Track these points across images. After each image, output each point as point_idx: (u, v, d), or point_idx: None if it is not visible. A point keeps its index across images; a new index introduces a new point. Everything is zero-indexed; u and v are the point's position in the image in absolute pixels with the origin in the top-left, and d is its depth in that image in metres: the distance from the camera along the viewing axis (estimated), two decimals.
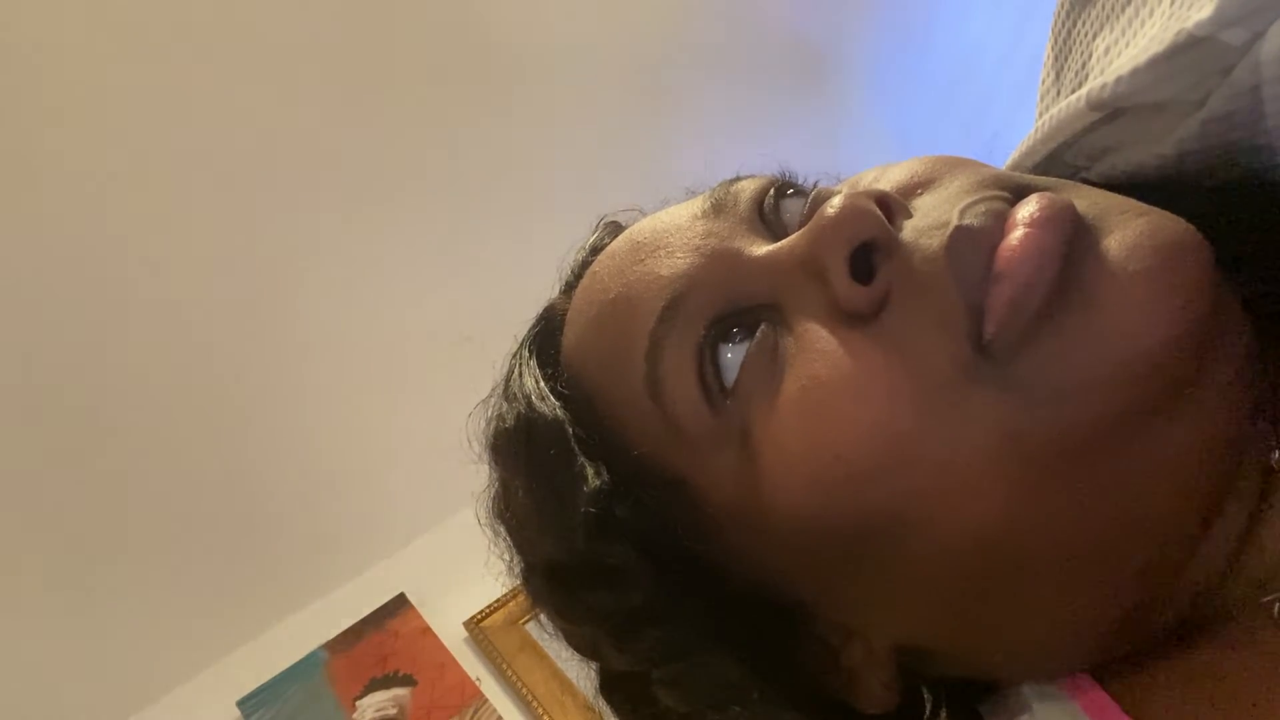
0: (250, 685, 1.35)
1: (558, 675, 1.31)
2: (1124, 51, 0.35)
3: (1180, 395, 0.27)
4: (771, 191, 0.36)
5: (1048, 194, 0.29)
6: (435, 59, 1.31)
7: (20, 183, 1.05)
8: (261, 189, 1.21)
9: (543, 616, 0.40)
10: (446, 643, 1.40)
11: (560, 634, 0.39)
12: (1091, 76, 0.38)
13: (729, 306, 0.33)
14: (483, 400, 0.41)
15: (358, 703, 1.35)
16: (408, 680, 1.37)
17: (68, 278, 1.11)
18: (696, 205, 0.37)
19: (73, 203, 1.08)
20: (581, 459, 0.34)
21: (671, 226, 0.36)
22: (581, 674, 0.40)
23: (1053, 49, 0.42)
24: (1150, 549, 0.29)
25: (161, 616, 1.32)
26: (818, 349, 0.30)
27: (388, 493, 1.47)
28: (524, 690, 1.31)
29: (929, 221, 0.30)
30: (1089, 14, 0.39)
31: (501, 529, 0.40)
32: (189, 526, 1.30)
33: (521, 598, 1.35)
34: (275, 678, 1.36)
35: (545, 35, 1.41)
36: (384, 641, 1.40)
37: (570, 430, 0.35)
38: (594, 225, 0.45)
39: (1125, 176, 0.35)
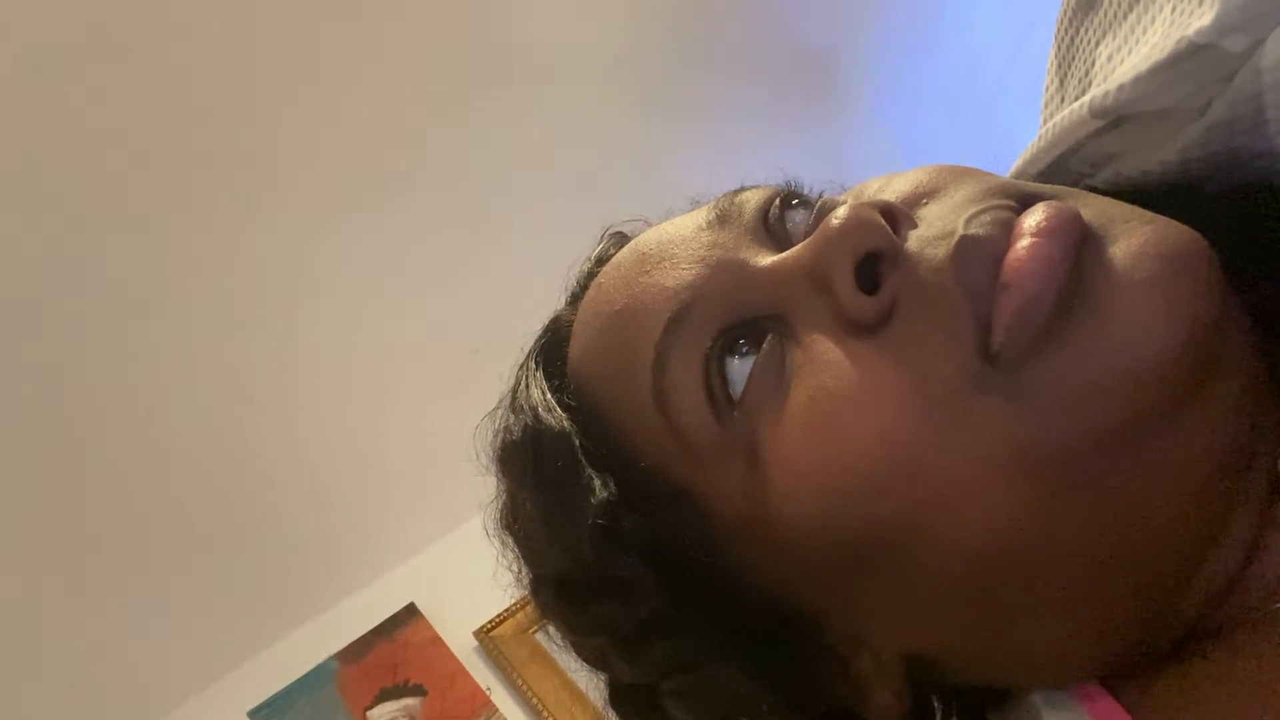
0: (261, 696, 1.36)
1: (568, 684, 1.32)
2: (1126, 59, 0.35)
3: (1187, 403, 0.27)
4: (777, 202, 0.36)
5: (1054, 203, 0.29)
6: (440, 66, 1.31)
7: (19, 184, 1.05)
8: (269, 199, 1.22)
9: (551, 627, 0.40)
10: (456, 652, 1.40)
11: (569, 645, 0.39)
12: (1094, 84, 0.38)
13: (735, 318, 0.33)
14: (490, 412, 0.41)
15: (368, 713, 1.35)
16: (418, 690, 1.37)
17: (79, 286, 1.12)
18: (701, 216, 0.37)
19: (73, 207, 1.09)
20: (588, 471, 0.34)
21: (676, 238, 0.36)
22: (591, 683, 0.40)
23: (1056, 56, 0.42)
24: (1159, 557, 0.29)
25: (173, 628, 1.33)
26: (825, 360, 0.30)
27: (397, 503, 1.47)
28: (534, 699, 1.31)
29: (934, 231, 0.30)
30: (1091, 21, 0.39)
31: (509, 540, 0.40)
32: (200, 538, 1.31)
33: (531, 607, 1.35)
34: (286, 688, 1.37)
35: (551, 42, 1.41)
36: (394, 651, 1.41)
37: (577, 442, 0.35)
38: (599, 236, 0.45)
39: (1129, 183, 0.35)
